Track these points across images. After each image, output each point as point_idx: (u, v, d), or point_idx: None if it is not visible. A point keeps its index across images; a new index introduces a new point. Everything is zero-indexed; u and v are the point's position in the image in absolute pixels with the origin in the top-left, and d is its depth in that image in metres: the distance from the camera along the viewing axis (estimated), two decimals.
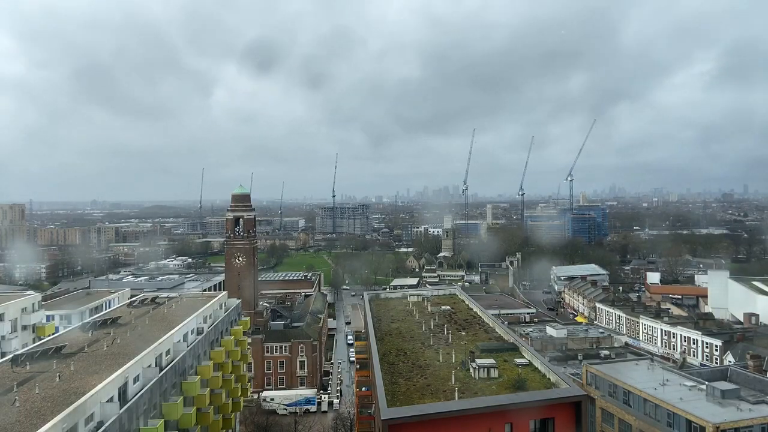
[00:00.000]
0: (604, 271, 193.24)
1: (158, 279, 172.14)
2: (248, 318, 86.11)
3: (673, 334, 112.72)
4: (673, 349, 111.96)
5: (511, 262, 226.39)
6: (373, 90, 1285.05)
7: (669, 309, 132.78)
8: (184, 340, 52.14)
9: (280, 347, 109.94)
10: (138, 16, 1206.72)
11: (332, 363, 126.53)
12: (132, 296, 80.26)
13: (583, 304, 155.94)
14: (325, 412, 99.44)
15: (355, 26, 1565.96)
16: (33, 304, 65.47)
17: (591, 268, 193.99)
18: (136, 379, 39.33)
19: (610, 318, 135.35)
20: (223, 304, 70.42)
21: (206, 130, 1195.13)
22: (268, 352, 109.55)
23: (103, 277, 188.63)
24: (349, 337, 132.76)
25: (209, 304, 64.46)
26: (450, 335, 52.11)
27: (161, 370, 43.79)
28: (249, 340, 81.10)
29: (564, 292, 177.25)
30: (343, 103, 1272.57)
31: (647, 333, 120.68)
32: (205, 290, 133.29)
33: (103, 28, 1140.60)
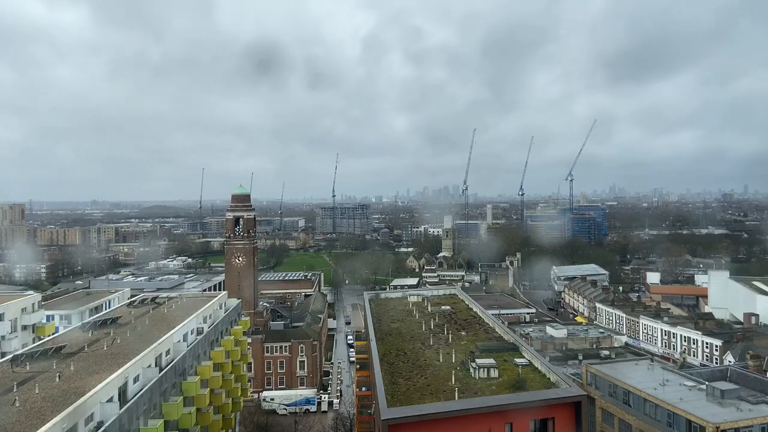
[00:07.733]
0: (604, 271, 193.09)
1: (158, 279, 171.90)
2: (248, 318, 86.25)
3: (673, 334, 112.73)
4: (673, 349, 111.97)
5: (511, 262, 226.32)
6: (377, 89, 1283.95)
7: (669, 309, 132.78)
8: (183, 340, 52.18)
9: (280, 347, 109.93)
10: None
11: (332, 363, 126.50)
12: (132, 296, 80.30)
13: (583, 304, 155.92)
14: (325, 412, 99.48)
15: (350, 29, 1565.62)
16: (33, 304, 65.48)
17: (591, 268, 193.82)
18: (136, 379, 39.35)
19: (610, 318, 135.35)
20: (223, 304, 70.46)
21: (206, 126, 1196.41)
22: (268, 352, 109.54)
23: (103, 277, 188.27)
24: (349, 337, 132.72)
25: (209, 304, 64.51)
26: (450, 335, 52.12)
27: (161, 370, 43.83)
28: (249, 340, 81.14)
29: (564, 292, 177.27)
30: (346, 102, 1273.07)
31: (647, 333, 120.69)
32: (205, 290, 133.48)
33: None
